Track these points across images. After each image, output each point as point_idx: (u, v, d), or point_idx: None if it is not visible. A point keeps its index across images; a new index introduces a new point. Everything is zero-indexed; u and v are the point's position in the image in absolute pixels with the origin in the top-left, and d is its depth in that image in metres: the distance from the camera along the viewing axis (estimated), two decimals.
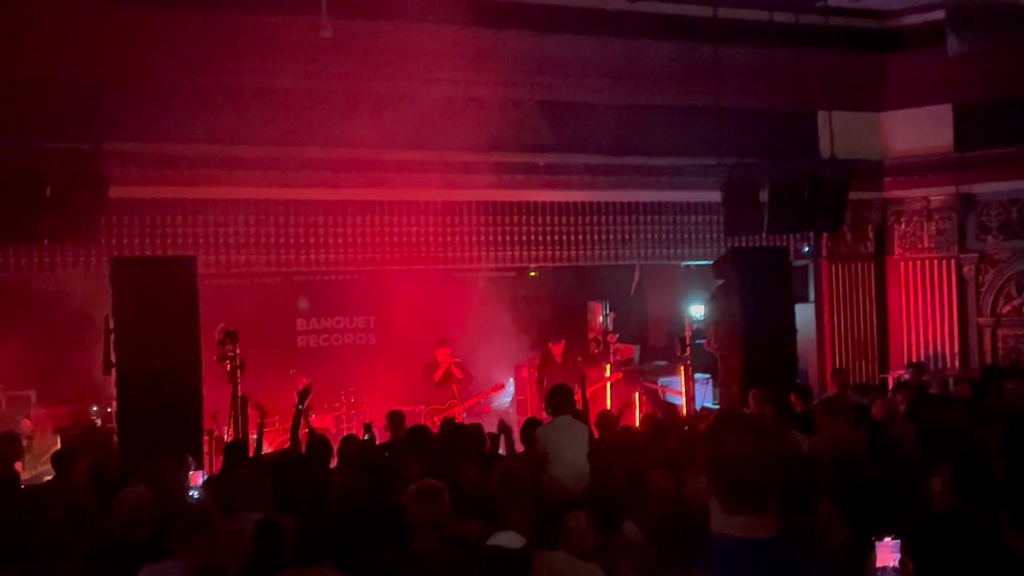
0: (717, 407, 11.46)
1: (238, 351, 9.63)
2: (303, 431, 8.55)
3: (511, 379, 13.98)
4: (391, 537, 4.99)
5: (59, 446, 9.61)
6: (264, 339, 11.24)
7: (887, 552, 4.30)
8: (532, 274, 14.31)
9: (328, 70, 10.65)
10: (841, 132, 13.67)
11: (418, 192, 11.29)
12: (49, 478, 8.31)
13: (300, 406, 8.44)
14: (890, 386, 12.08)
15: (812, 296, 14.72)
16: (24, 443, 9.02)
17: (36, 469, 9.90)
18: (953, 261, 14.25)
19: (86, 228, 10.37)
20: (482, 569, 4.24)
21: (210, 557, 4.71)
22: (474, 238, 12.23)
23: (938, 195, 14.29)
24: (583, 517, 5.12)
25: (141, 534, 5.09)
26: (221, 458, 8.66)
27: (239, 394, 9.78)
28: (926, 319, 14.39)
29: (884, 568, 4.27)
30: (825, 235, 14.30)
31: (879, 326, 14.67)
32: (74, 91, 10.06)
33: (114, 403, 9.72)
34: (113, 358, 9.43)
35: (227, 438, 9.56)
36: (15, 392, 11.63)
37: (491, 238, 12.43)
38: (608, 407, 12.07)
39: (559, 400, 7.77)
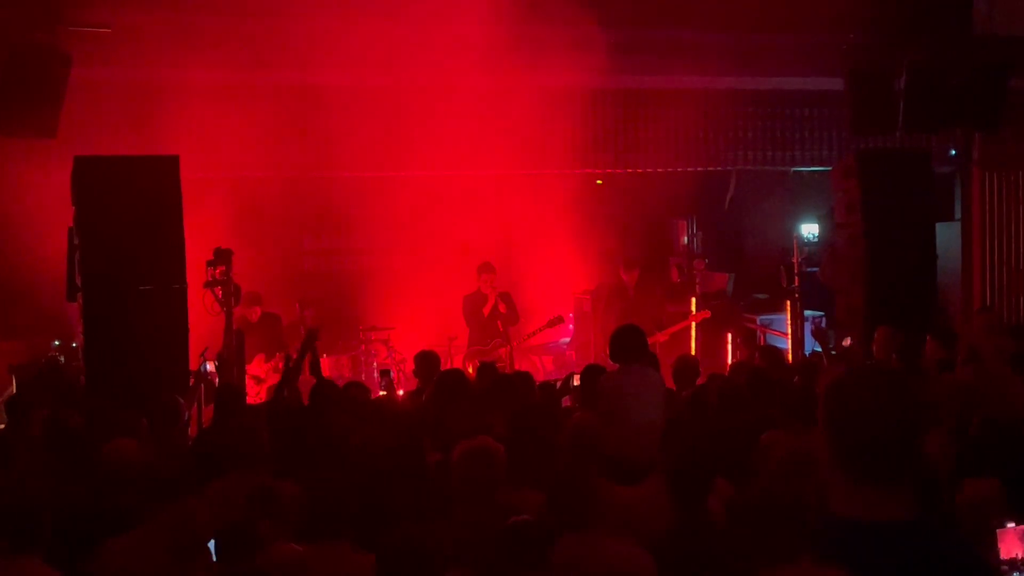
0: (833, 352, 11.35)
1: (232, 274, 9.69)
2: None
3: (570, 315, 13.99)
4: (422, 507, 5.02)
5: (13, 389, 9.84)
6: (263, 260, 11.34)
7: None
8: (599, 182, 14.22)
9: None
10: (1002, 1, 13.26)
11: (450, 77, 11.15)
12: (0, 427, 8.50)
13: (303, 354, 8.53)
14: None
15: (959, 213, 14.54)
16: None
17: None
18: None
19: (43, 119, 10.51)
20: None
21: (190, 527, 4.77)
22: (522, 136, 12.10)
23: None
24: (654, 487, 5.11)
25: (123, 498, 5.17)
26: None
27: (234, 327, 9.88)
28: None
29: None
30: (978, 135, 14.07)
31: None
32: None
33: (80, 336, 9.89)
34: (79, 281, 9.56)
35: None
36: None
37: (545, 136, 12.30)
38: (692, 352, 12.05)
39: (627, 344, 7.70)
